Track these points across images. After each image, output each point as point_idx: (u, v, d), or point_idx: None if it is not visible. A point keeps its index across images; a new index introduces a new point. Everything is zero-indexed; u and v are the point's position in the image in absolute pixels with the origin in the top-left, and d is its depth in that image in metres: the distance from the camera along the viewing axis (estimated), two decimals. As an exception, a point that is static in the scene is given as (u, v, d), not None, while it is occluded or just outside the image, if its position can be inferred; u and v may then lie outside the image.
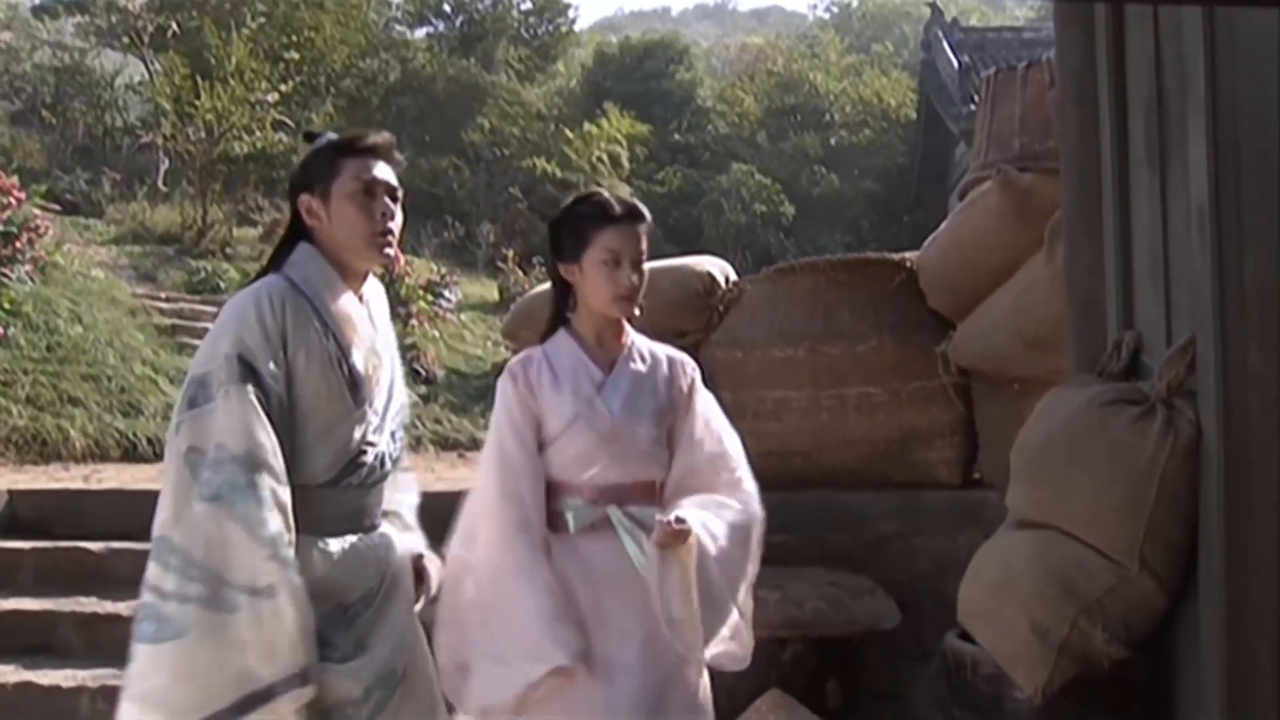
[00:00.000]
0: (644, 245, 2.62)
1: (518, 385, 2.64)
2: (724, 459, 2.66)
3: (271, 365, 2.24)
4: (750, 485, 2.66)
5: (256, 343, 2.25)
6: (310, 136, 2.54)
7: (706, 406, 2.72)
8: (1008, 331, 3.84)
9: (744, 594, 2.61)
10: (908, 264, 4.66)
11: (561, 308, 2.70)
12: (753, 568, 2.62)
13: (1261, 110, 2.13)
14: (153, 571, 2.17)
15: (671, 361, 2.73)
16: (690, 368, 2.75)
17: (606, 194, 2.70)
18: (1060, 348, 3.38)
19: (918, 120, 21.66)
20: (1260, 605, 2.15)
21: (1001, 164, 3.90)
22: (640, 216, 2.64)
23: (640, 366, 2.67)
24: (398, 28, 25.21)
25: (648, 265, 2.65)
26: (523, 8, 26.37)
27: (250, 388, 2.21)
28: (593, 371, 2.63)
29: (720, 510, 2.56)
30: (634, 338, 2.71)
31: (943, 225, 4.55)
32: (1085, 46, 3.19)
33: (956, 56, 18.15)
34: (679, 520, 2.43)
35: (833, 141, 24.87)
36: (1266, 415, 2.13)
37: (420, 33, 26.01)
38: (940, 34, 19.49)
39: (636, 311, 2.65)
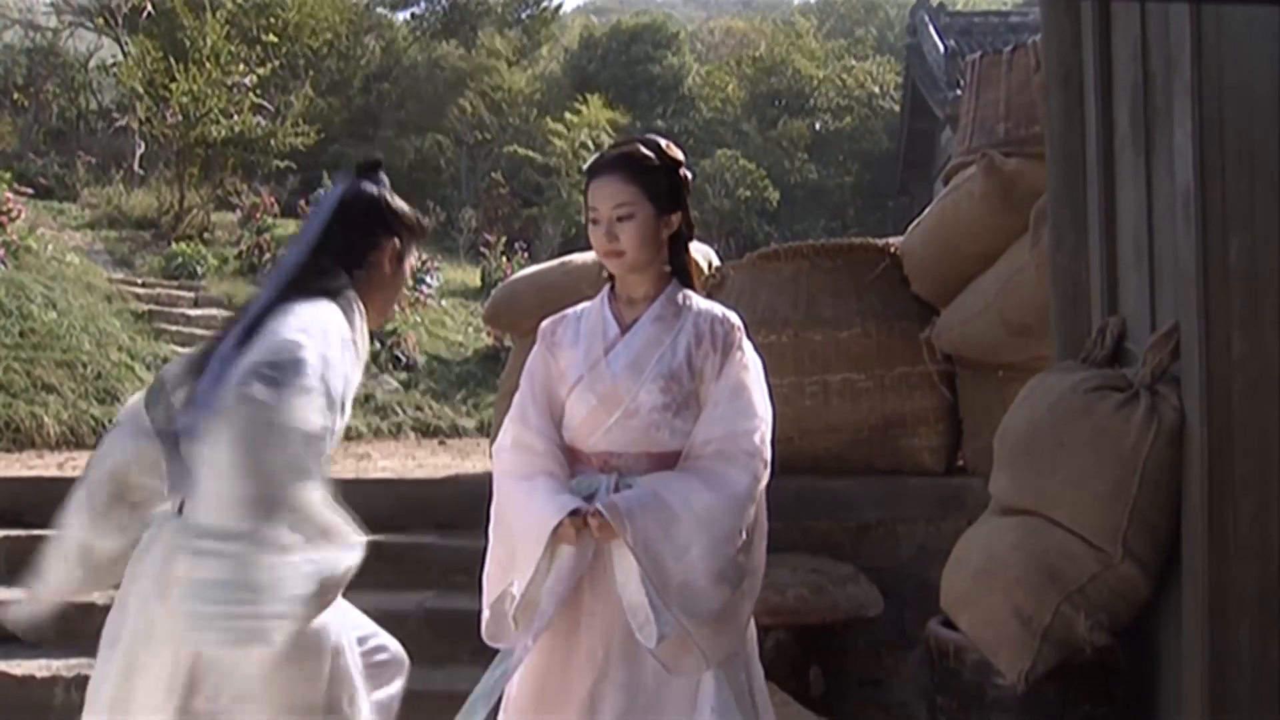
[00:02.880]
0: (625, 198, 2.46)
1: (543, 342, 2.60)
2: (745, 436, 2.46)
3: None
4: (748, 461, 2.44)
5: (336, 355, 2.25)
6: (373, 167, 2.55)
7: (740, 373, 2.51)
8: (992, 317, 3.85)
9: (715, 591, 2.37)
10: (892, 249, 4.67)
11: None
12: (725, 560, 2.38)
13: (1247, 93, 2.14)
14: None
15: (702, 319, 2.52)
16: (727, 328, 2.53)
17: (603, 149, 2.61)
18: (1045, 333, 3.39)
19: (903, 105, 21.64)
20: (1242, 591, 2.16)
21: (986, 149, 3.90)
22: (612, 167, 2.50)
23: (661, 326, 2.51)
24: (379, 10, 25.07)
25: None
26: (505, -9, 26.28)
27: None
28: (609, 330, 2.53)
29: (676, 490, 2.38)
30: (673, 294, 2.54)
31: (927, 211, 4.55)
32: (1071, 30, 3.19)
33: (942, 41, 18.13)
34: (594, 514, 2.33)
35: (817, 126, 24.89)
36: (1250, 401, 2.14)
37: (402, 15, 25.91)
38: (926, 18, 19.46)
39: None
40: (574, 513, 2.35)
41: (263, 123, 16.30)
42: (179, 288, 12.15)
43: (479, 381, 12.11)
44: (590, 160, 2.59)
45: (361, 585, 4.53)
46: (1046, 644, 2.51)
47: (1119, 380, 2.58)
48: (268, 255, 13.10)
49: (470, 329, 13.37)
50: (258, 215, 14.29)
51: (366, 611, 4.24)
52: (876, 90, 25.66)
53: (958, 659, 2.76)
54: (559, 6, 27.08)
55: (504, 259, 15.00)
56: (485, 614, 2.54)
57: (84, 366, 8.89)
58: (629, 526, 2.31)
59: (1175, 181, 2.37)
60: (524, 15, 26.25)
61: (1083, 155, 3.14)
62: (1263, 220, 2.10)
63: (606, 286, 2.61)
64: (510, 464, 2.53)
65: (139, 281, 12.00)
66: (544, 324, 2.64)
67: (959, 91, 10.58)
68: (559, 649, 2.45)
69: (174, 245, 13.36)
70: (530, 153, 20.43)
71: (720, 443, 2.46)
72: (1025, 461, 2.72)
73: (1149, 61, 2.63)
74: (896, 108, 23.24)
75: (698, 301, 2.57)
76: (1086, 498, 2.52)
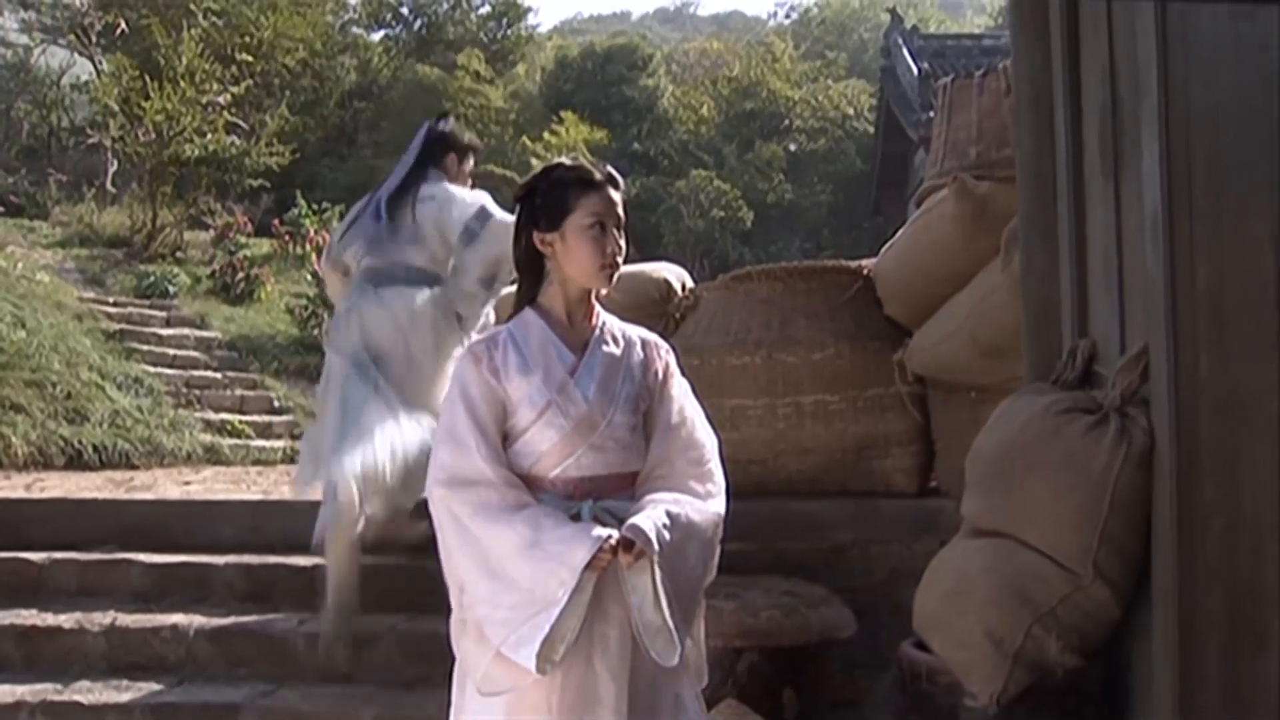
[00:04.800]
0: (622, 213, 2.50)
1: (481, 368, 2.45)
2: (697, 449, 2.51)
3: None
4: (719, 479, 2.52)
5: None
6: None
7: (682, 392, 2.57)
8: (964, 339, 3.86)
9: (703, 603, 2.51)
10: (865, 271, 4.69)
11: (535, 284, 2.54)
12: (711, 573, 2.48)
13: (1214, 119, 2.16)
14: None
15: (645, 343, 2.57)
16: (665, 350, 2.59)
17: (581, 160, 2.56)
18: (1017, 355, 3.41)
19: (877, 127, 21.82)
20: (1211, 612, 2.18)
21: (958, 172, 3.93)
22: (618, 183, 2.53)
23: (614, 349, 2.51)
24: (355, 30, 25.09)
25: None
26: (481, 11, 26.35)
27: None
28: (564, 354, 2.47)
29: (682, 508, 2.39)
30: (605, 317, 2.56)
31: (899, 233, 4.57)
32: (1041, 53, 3.22)
33: (916, 63, 18.30)
34: (625, 543, 2.29)
35: (792, 148, 25.05)
36: (1217, 423, 2.16)
37: (377, 35, 25.93)
38: (900, 41, 19.65)
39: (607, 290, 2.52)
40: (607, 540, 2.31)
41: (237, 142, 16.25)
42: (151, 307, 12.06)
43: (453, 401, 12.07)
44: (576, 168, 2.52)
45: (332, 608, 4.51)
46: (1018, 665, 2.51)
47: (1089, 402, 2.60)
48: (240, 275, 13.04)
49: (446, 349, 13.33)
50: (231, 234, 14.23)
51: (338, 634, 4.25)
52: (851, 112, 25.87)
53: (930, 681, 2.77)
54: (535, 26, 27.23)
55: (479, 279, 14.96)
56: (484, 666, 2.37)
57: (53, 386, 8.80)
58: (660, 550, 2.30)
59: (1143, 205, 2.39)
60: (499, 36, 26.32)
61: (1053, 177, 3.16)
62: (1229, 244, 2.12)
63: (530, 310, 2.53)
64: (472, 502, 2.37)
65: (110, 300, 11.91)
66: (473, 346, 2.52)
67: (932, 114, 10.67)
68: (574, 677, 2.36)
69: (146, 264, 13.29)
70: (507, 172, 20.46)
71: (684, 459, 2.48)
72: (996, 484, 2.73)
73: (1117, 86, 2.65)
74: (871, 129, 23.44)
75: (624, 324, 2.60)
76: (1057, 520, 2.53)
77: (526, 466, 2.44)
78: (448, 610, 2.50)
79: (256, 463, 9.24)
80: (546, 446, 2.44)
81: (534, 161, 20.10)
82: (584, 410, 2.43)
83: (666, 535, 2.32)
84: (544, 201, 2.50)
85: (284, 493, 6.20)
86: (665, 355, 2.59)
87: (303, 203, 15.06)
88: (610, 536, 2.30)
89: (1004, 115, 3.88)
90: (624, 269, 2.58)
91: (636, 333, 2.60)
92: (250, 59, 18.45)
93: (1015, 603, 2.53)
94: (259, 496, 6.03)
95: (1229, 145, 2.13)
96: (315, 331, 11.75)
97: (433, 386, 4.56)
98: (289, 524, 5.03)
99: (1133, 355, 2.48)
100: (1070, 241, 3.03)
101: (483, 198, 4.90)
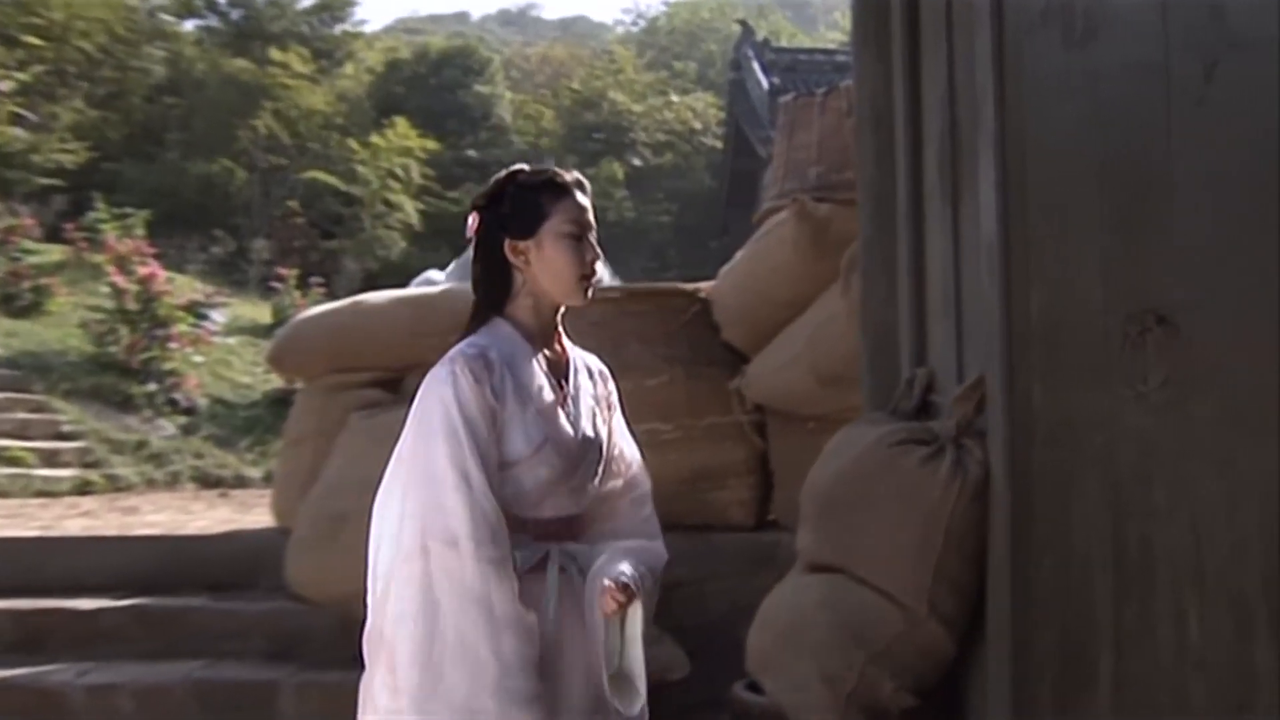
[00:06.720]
0: (594, 219, 2.41)
1: (480, 384, 2.23)
2: (639, 489, 2.50)
3: None
4: (656, 520, 2.51)
5: None
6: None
7: (621, 426, 2.52)
8: (802, 367, 3.94)
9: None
10: (702, 295, 4.73)
11: (501, 298, 2.37)
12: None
13: (1047, 148, 2.25)
14: None
15: (601, 374, 2.50)
16: (610, 380, 2.52)
17: (546, 165, 2.49)
18: (856, 384, 3.49)
19: (725, 143, 22.16)
20: (1044, 649, 2.25)
21: (798, 193, 4.01)
22: (587, 188, 2.43)
23: (587, 380, 2.44)
24: (164, 17, 24.33)
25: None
26: (303, 4, 25.88)
27: None
28: (553, 385, 2.36)
29: (641, 557, 2.38)
30: (568, 342, 2.46)
31: (738, 255, 4.64)
32: (883, 75, 3.31)
33: (767, 77, 18.64)
34: (623, 587, 2.24)
35: (637, 162, 25.25)
36: (1048, 455, 2.24)
37: (190, 25, 25.22)
38: (750, 53, 19.99)
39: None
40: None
41: (23, 134, 15.52)
42: (-80, 315, 11.45)
43: (267, 427, 11.71)
44: (544, 171, 2.42)
45: (118, 655, 4.37)
46: (852, 707, 2.56)
47: (925, 433, 2.67)
48: (26, 284, 12.45)
49: (259, 370, 12.98)
50: (15, 239, 13.55)
51: (124, 685, 4.09)
52: (698, 126, 26.25)
53: (762, 724, 2.80)
54: (364, 23, 26.88)
55: (298, 294, 14.64)
56: None
57: None
58: (643, 598, 2.30)
59: (980, 233, 2.47)
60: (324, 32, 25.88)
61: (894, 201, 3.25)
62: (1062, 275, 2.21)
63: (507, 325, 2.37)
64: (473, 578, 2.17)
65: None
66: (469, 362, 2.26)
67: (780, 131, 10.86)
68: None
69: (-89, 270, 12.60)
70: (331, 178, 20.09)
71: (627, 501, 2.48)
72: (831, 517, 2.78)
73: (956, 112, 2.75)
74: (720, 145, 23.79)
75: (579, 349, 2.51)
76: (892, 554, 2.59)
77: (505, 506, 2.26)
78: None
79: (40, 494, 8.81)
80: (531, 485, 2.31)
81: (360, 168, 19.82)
82: (575, 449, 2.35)
83: (645, 586, 2.32)
84: (514, 207, 2.36)
85: (68, 528, 5.93)
86: (611, 386, 2.52)
87: (102, 206, 14.46)
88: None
89: (846, 136, 3.97)
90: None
91: (593, 361, 2.52)
92: (39, 42, 17.65)
93: (849, 642, 2.58)
94: (37, 532, 5.74)
95: (1061, 175, 2.23)
96: (113, 348, 11.29)
97: None
98: (71, 563, 4.82)
99: (969, 385, 2.56)
100: (909, 267, 3.12)
101: None
